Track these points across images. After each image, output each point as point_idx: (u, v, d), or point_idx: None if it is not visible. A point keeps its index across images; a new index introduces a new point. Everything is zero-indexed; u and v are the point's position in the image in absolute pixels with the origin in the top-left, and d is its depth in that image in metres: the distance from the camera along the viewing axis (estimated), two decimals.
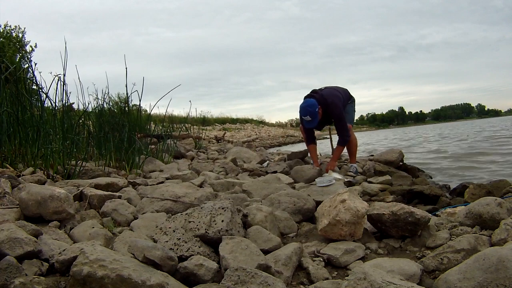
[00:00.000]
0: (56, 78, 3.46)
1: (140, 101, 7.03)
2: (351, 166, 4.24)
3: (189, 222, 1.76)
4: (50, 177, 2.81)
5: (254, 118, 38.37)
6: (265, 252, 1.73)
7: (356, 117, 4.68)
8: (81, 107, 4.46)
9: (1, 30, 14.11)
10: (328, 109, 3.94)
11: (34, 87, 3.76)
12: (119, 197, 2.44)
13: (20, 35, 14.81)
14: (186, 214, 1.83)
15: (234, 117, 34.78)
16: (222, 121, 31.47)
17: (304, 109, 3.85)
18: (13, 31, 14.67)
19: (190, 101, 9.76)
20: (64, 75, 3.45)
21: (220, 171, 4.36)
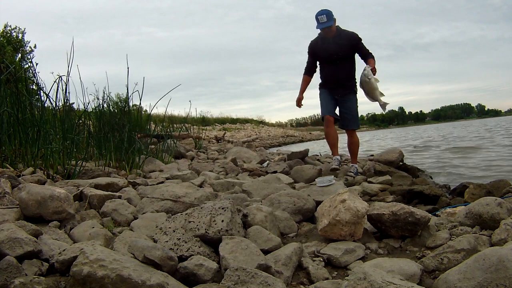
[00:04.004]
0: (57, 78, 3.47)
1: (140, 101, 7.05)
2: (352, 166, 4.24)
3: (189, 222, 1.76)
4: (50, 177, 2.80)
5: (254, 118, 38.40)
6: (265, 252, 1.73)
7: None
8: (81, 107, 4.47)
9: (1, 30, 14.12)
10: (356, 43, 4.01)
11: (34, 87, 3.76)
12: (119, 197, 2.44)
13: (20, 35, 14.83)
14: (186, 214, 1.83)
15: (234, 117, 34.81)
16: (222, 121, 31.48)
17: (322, 10, 3.92)
18: (13, 32, 14.70)
19: (190, 101, 9.76)
20: (68, 75, 3.46)
21: (220, 171, 4.36)
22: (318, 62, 4.25)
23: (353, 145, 4.25)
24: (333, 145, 4.17)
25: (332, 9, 3.91)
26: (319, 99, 4.26)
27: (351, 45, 4.03)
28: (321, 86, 4.30)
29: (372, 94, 3.87)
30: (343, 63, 4.06)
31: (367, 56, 4.02)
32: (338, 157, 4.12)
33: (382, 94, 3.90)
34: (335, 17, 3.95)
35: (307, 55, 4.29)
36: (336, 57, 4.03)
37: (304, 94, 4.37)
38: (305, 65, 4.33)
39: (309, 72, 4.31)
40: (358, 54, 4.10)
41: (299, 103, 4.35)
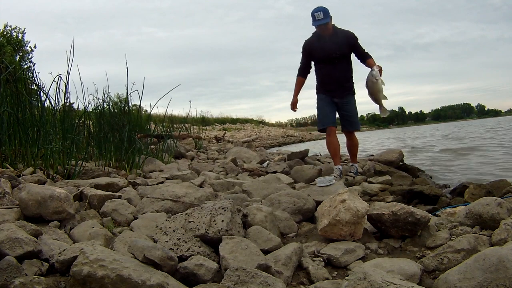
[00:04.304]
0: (57, 78, 3.47)
1: (140, 101, 7.04)
2: (352, 166, 4.25)
3: (189, 222, 1.76)
4: (50, 177, 2.80)
5: (254, 118, 38.42)
6: (265, 252, 1.73)
7: None
8: (81, 107, 4.48)
9: (1, 30, 14.14)
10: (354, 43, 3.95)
11: (34, 87, 3.77)
12: (119, 197, 2.44)
13: (20, 35, 14.85)
14: (186, 214, 1.83)
15: (234, 117, 34.82)
16: (222, 121, 31.49)
17: (318, 7, 3.84)
18: (13, 32, 14.71)
19: (190, 101, 9.75)
20: (68, 75, 3.46)
21: (220, 171, 4.36)
22: (313, 63, 4.10)
23: (353, 147, 4.24)
24: (335, 154, 4.05)
25: (332, 9, 3.85)
26: (317, 107, 4.10)
27: (349, 43, 3.94)
28: (319, 91, 4.11)
29: (376, 96, 3.78)
30: (341, 63, 3.95)
31: (365, 56, 3.94)
32: (340, 167, 3.98)
33: (385, 97, 3.84)
34: (331, 15, 3.87)
35: (301, 55, 4.12)
36: (334, 56, 3.91)
37: (302, 95, 4.25)
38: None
39: (303, 74, 4.13)
40: (354, 54, 4.01)
41: (294, 107, 4.22)
